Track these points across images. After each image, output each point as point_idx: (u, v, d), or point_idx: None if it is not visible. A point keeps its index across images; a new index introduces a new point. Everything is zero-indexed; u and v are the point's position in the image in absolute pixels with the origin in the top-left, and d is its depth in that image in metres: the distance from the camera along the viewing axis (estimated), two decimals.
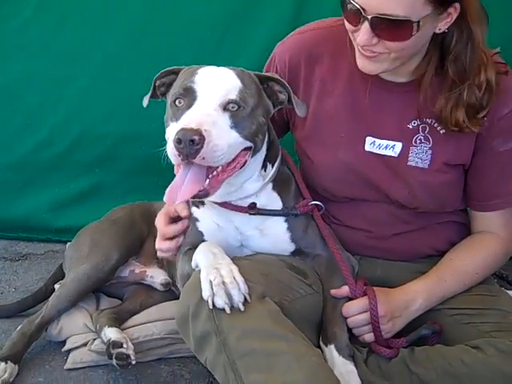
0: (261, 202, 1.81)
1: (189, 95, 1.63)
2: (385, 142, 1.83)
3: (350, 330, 1.78)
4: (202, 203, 1.84)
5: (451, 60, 1.69)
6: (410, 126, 1.82)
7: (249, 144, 1.67)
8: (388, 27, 1.59)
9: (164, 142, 1.59)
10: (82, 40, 2.89)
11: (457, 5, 1.61)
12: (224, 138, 1.56)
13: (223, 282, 1.53)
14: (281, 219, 1.85)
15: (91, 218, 2.51)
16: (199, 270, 1.62)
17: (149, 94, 1.83)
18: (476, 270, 1.86)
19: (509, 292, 1.95)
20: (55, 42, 2.89)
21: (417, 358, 1.69)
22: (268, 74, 1.79)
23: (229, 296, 1.51)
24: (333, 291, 1.81)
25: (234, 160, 1.64)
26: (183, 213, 1.84)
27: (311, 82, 1.89)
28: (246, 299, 1.54)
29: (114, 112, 2.96)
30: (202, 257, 1.67)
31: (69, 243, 2.45)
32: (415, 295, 1.80)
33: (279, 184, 1.86)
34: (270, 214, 1.82)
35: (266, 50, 2.30)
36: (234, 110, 1.61)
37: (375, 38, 1.63)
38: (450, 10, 1.61)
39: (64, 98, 2.97)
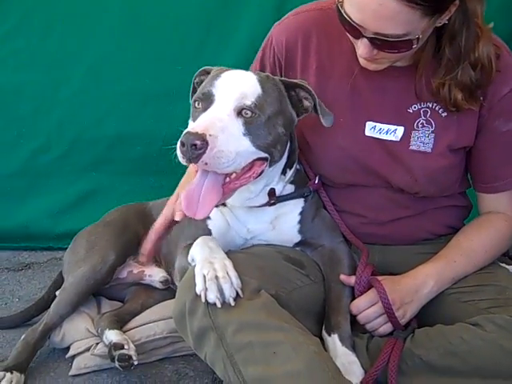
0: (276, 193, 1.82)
1: (206, 99, 1.62)
2: (386, 127, 1.81)
3: (351, 320, 1.77)
4: (223, 204, 1.82)
5: (447, 39, 1.66)
6: (411, 111, 1.80)
7: (263, 155, 1.64)
8: (388, 43, 1.57)
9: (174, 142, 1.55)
10: (70, 44, 2.89)
11: (456, 1, 1.56)
12: (232, 145, 1.53)
13: (216, 277, 1.51)
14: (295, 212, 1.85)
15: (91, 221, 2.49)
16: (195, 266, 1.60)
17: (190, 92, 1.84)
18: (484, 248, 1.84)
19: (510, 267, 1.93)
20: (43, 49, 2.89)
21: (418, 340, 1.67)
22: (295, 81, 1.74)
23: (220, 291, 1.50)
24: (342, 276, 1.80)
25: (249, 169, 1.63)
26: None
27: (308, 64, 1.87)
28: (238, 294, 1.52)
29: (107, 114, 2.97)
30: (198, 250, 1.66)
31: None
32: (426, 278, 1.77)
33: (296, 180, 1.86)
34: (287, 199, 1.82)
35: (251, 45, 2.28)
36: (248, 116, 1.58)
37: (375, 50, 1.61)
38: (450, 8, 1.57)
39: (56, 104, 2.97)
